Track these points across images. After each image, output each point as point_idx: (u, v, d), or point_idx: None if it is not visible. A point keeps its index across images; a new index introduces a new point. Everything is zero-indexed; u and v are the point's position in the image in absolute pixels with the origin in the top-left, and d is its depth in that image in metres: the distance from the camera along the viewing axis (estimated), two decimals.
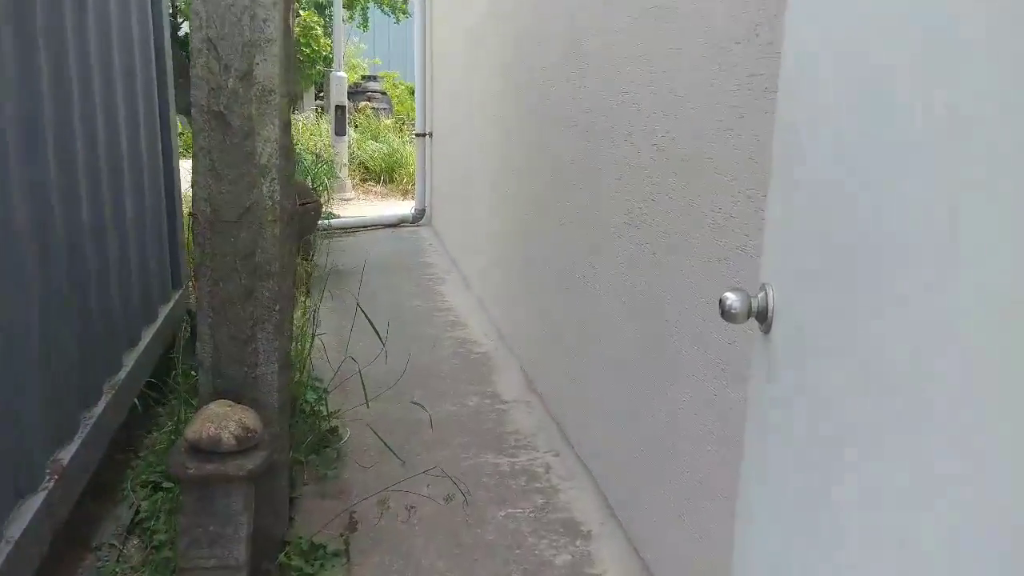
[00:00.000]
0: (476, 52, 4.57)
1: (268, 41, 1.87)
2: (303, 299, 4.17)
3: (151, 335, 2.90)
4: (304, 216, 4.77)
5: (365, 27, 15.23)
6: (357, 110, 13.34)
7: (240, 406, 1.95)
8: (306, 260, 5.38)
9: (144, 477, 2.45)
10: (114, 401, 2.40)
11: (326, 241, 6.08)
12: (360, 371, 2.69)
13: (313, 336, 3.14)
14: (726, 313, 1.00)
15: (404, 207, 7.37)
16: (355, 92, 14.28)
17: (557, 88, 2.82)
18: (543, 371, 3.17)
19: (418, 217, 6.85)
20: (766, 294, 1.00)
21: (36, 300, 1.87)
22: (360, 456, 2.63)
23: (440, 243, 6.12)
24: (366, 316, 2.72)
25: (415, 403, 2.89)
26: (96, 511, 2.33)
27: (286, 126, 1.98)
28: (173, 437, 2.49)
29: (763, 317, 1.00)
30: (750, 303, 1.00)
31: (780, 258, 1.00)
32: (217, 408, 1.91)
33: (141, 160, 2.91)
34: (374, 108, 13.48)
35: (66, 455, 2.01)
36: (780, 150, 1.01)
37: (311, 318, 3.45)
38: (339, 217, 6.97)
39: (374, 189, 8.47)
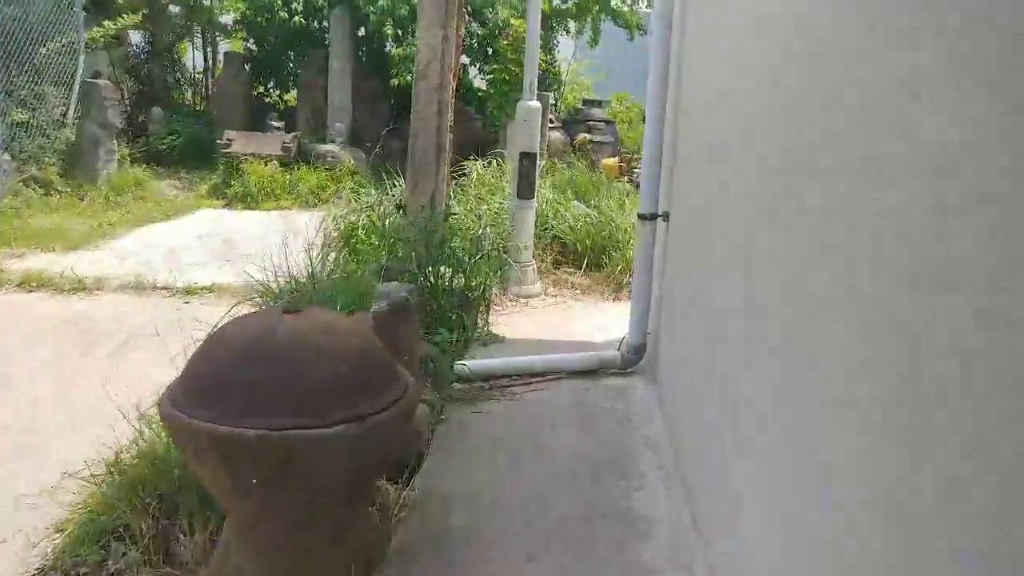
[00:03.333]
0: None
1: None
2: None
3: None
4: (381, 431, 2.01)
5: (595, 43, 12.41)
6: (573, 144, 10.67)
7: None
8: (395, 484, 2.64)
9: None
10: None
11: (457, 410, 3.35)
12: None
13: None
14: None
15: (610, 325, 4.44)
16: (573, 121, 11.65)
17: None
18: None
19: (633, 359, 3.85)
20: None
21: None
22: None
23: (667, 434, 3.10)
24: None
25: None
26: None
27: None
28: None
29: None
30: None
31: None
32: None
33: None
34: (595, 142, 10.73)
35: None
36: None
37: None
38: (501, 341, 4.22)
39: (571, 278, 5.59)
